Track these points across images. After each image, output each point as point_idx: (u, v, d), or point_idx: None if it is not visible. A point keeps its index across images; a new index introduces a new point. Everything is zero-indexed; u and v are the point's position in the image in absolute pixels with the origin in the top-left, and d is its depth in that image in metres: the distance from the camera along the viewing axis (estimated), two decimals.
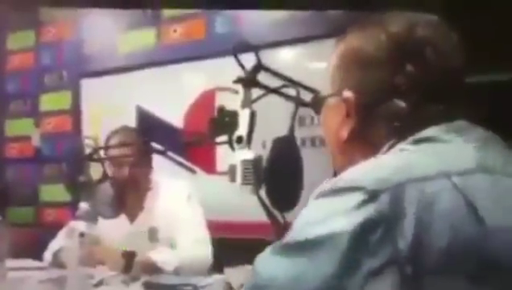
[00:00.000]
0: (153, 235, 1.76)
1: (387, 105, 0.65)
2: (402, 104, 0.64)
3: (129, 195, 1.76)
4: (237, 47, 1.03)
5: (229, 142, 1.03)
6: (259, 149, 1.00)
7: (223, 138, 1.05)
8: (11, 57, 3.24)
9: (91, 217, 1.41)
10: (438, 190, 0.53)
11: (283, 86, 1.05)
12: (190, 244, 1.73)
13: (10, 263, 1.44)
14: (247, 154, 0.98)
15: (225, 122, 1.05)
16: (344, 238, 0.52)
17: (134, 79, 2.74)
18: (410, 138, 0.62)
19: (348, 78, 0.70)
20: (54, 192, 3.01)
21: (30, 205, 3.12)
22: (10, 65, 3.24)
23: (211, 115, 1.11)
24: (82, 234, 1.33)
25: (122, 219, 1.78)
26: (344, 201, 0.54)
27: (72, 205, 1.70)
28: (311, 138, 2.23)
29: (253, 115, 1.01)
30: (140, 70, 2.73)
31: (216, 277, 1.48)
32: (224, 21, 2.55)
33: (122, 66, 2.79)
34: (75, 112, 3.01)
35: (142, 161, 1.82)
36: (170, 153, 1.63)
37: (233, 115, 1.03)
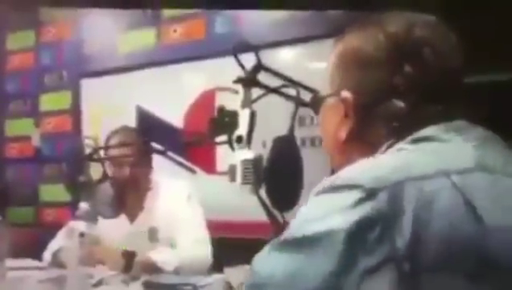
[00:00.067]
0: (153, 235, 1.76)
1: (386, 106, 0.65)
2: (400, 104, 0.64)
3: (129, 195, 1.76)
4: (237, 47, 1.03)
5: (229, 142, 1.03)
6: (259, 149, 1.00)
7: (223, 138, 1.06)
8: (11, 57, 3.24)
9: (91, 217, 1.41)
10: (437, 189, 0.53)
11: (283, 86, 1.06)
12: (190, 244, 1.73)
13: (10, 262, 1.44)
14: (247, 154, 0.98)
15: (224, 121, 1.05)
16: (341, 236, 0.52)
17: (134, 79, 2.74)
18: (409, 138, 0.62)
19: (346, 78, 0.70)
20: (54, 192, 3.01)
21: (30, 205, 3.12)
22: (10, 65, 3.24)
23: (211, 115, 1.11)
24: (82, 234, 1.33)
25: (122, 219, 1.78)
26: (343, 199, 0.54)
27: (72, 205, 1.70)
28: (311, 138, 2.24)
29: (253, 115, 1.01)
30: (140, 70, 2.73)
31: (216, 277, 1.48)
32: (224, 21, 2.55)
33: (122, 66, 2.79)
34: (75, 112, 3.01)
35: (142, 161, 1.82)
36: (170, 153, 1.63)
37: (233, 115, 1.03)
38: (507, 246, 0.52)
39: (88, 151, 1.51)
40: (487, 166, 0.57)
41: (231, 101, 1.07)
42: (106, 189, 1.55)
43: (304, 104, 0.96)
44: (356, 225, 0.52)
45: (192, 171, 2.56)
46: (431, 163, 0.56)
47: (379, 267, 0.50)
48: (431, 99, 0.64)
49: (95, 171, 1.53)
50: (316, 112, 0.78)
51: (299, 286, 0.54)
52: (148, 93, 2.69)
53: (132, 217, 1.84)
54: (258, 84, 1.03)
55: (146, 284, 1.44)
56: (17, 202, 3.11)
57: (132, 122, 2.67)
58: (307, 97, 0.91)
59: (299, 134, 2.11)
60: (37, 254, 1.81)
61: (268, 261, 0.58)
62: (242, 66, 1.02)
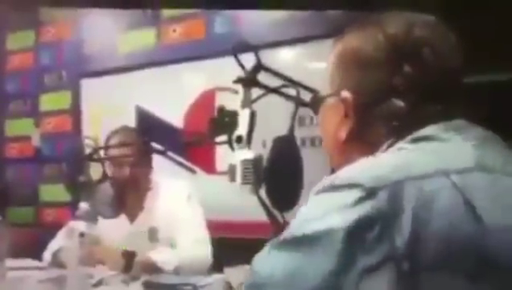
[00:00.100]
0: (153, 235, 1.76)
1: (385, 105, 0.65)
2: (400, 103, 0.64)
3: (129, 195, 1.76)
4: (237, 47, 1.03)
5: (229, 142, 1.03)
6: (259, 149, 1.00)
7: (223, 138, 1.06)
8: (11, 57, 3.24)
9: (91, 217, 1.41)
10: (436, 188, 0.53)
11: (283, 86, 1.06)
12: (190, 244, 1.73)
13: (10, 262, 1.44)
14: (247, 154, 0.98)
15: (224, 121, 1.05)
16: (341, 235, 0.52)
17: (133, 79, 2.74)
18: (409, 137, 0.62)
19: (346, 78, 0.70)
20: (54, 192, 3.01)
21: (30, 205, 3.12)
22: (10, 65, 3.24)
23: (211, 115, 1.11)
24: (82, 234, 1.33)
25: (122, 219, 1.78)
26: (342, 198, 0.54)
27: (72, 205, 1.70)
28: (310, 138, 2.24)
29: (253, 115, 1.01)
30: (140, 70, 2.73)
31: (216, 277, 1.48)
32: (223, 21, 2.55)
33: (122, 66, 2.79)
34: (75, 112, 3.01)
35: (142, 161, 1.82)
36: (170, 153, 1.63)
37: (233, 115, 1.03)
38: (507, 246, 0.52)
39: (88, 151, 1.51)
40: (487, 165, 0.57)
41: (231, 101, 1.07)
42: (106, 189, 1.55)
43: (304, 104, 0.96)
44: (355, 224, 0.52)
45: (192, 171, 2.56)
46: (431, 163, 0.56)
47: (378, 266, 0.50)
48: (430, 99, 0.64)
49: (95, 171, 1.54)
50: (316, 112, 0.78)
51: (298, 285, 0.54)
52: (148, 93, 2.69)
53: (132, 217, 1.84)
54: (257, 84, 1.03)
55: (146, 284, 1.44)
56: (17, 202, 3.11)
57: (132, 122, 2.67)
58: (307, 97, 0.91)
59: (299, 134, 2.11)
60: (37, 254, 1.81)
61: (268, 260, 0.58)
62: (242, 66, 1.02)
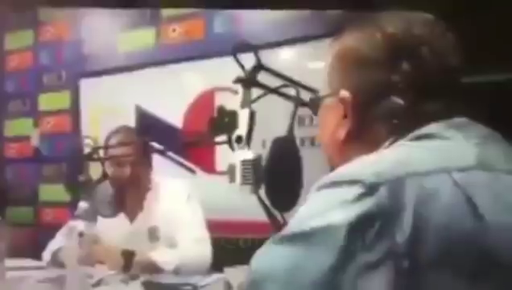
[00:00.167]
0: (153, 235, 1.76)
1: (385, 103, 0.65)
2: (399, 101, 0.64)
3: (128, 194, 1.76)
4: (237, 47, 1.03)
5: (229, 142, 1.03)
6: (259, 149, 1.00)
7: (222, 138, 1.06)
8: (10, 57, 3.24)
9: (90, 217, 1.41)
10: (438, 185, 0.53)
11: (283, 86, 1.06)
12: (190, 244, 1.73)
13: (9, 262, 1.43)
14: (247, 154, 0.98)
15: (224, 121, 1.05)
16: (341, 231, 0.52)
17: (133, 79, 2.74)
18: (411, 135, 0.62)
19: (344, 78, 0.70)
20: (53, 191, 3.01)
21: (30, 205, 3.12)
22: (9, 65, 3.24)
23: (210, 115, 1.11)
24: (81, 234, 1.33)
25: (122, 219, 1.78)
26: (343, 194, 0.54)
27: (72, 205, 1.70)
28: (310, 138, 2.23)
29: (252, 115, 1.02)
30: (139, 70, 2.73)
31: (216, 276, 1.48)
32: (223, 21, 2.55)
33: (122, 66, 2.79)
34: (74, 112, 3.00)
35: (142, 161, 1.82)
36: (169, 153, 1.63)
37: (233, 115, 1.03)
38: (508, 244, 0.52)
39: (87, 150, 1.51)
40: (488, 164, 0.57)
41: (231, 101, 1.07)
42: (106, 189, 1.55)
43: (304, 104, 0.96)
44: (356, 220, 0.52)
45: (192, 171, 2.56)
46: (433, 160, 0.56)
47: (378, 263, 0.50)
48: (429, 96, 0.64)
49: (94, 170, 1.53)
50: (315, 113, 0.78)
51: (298, 280, 0.53)
52: (147, 92, 2.69)
53: (132, 217, 1.84)
54: (257, 84, 1.03)
55: (146, 284, 1.44)
56: (16, 202, 3.11)
57: (131, 121, 2.67)
58: (306, 97, 0.91)
59: (298, 134, 2.11)
60: (36, 254, 1.81)
61: (268, 256, 0.58)
62: (242, 66, 1.02)
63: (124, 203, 1.68)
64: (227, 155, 1.02)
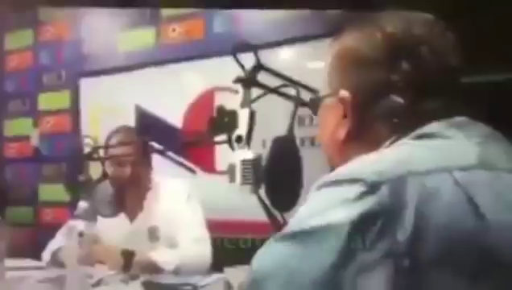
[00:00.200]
0: (153, 235, 1.76)
1: (385, 102, 0.65)
2: (399, 100, 0.64)
3: (129, 194, 1.77)
4: (237, 47, 1.03)
5: (229, 142, 1.03)
6: (259, 149, 1.00)
7: (222, 137, 1.06)
8: (10, 56, 3.23)
9: (90, 217, 1.41)
10: (439, 185, 0.53)
11: (283, 86, 1.06)
12: (190, 243, 1.73)
13: (9, 262, 1.43)
14: (247, 153, 0.98)
15: (224, 121, 1.05)
16: (342, 229, 0.52)
17: (133, 78, 2.74)
18: (412, 134, 0.62)
19: (344, 78, 0.70)
20: (53, 191, 3.01)
21: (30, 205, 3.11)
22: (9, 65, 3.24)
23: (210, 115, 1.11)
24: (81, 234, 1.33)
25: (122, 218, 1.78)
26: (344, 193, 0.54)
27: (72, 205, 1.70)
28: (310, 138, 2.23)
29: (252, 115, 1.02)
30: (139, 70, 2.73)
31: (216, 276, 1.48)
32: (223, 20, 2.55)
33: (121, 65, 2.78)
34: (74, 111, 3.00)
35: (142, 161, 1.82)
36: (169, 153, 1.63)
37: (233, 115, 1.03)
38: (509, 243, 0.52)
39: (87, 150, 1.51)
40: (489, 163, 0.57)
41: (230, 100, 1.07)
42: (106, 188, 1.55)
43: (304, 104, 0.96)
44: (357, 218, 0.52)
45: (192, 171, 2.55)
46: (434, 159, 0.56)
47: (379, 261, 0.50)
48: (429, 95, 0.64)
49: (94, 170, 1.53)
50: (315, 113, 0.78)
51: (299, 279, 0.53)
52: (147, 92, 2.68)
53: (132, 217, 1.84)
54: (257, 84, 1.03)
55: (146, 284, 1.44)
56: (16, 202, 3.11)
57: (131, 121, 2.67)
58: (306, 96, 0.91)
59: (298, 133, 2.11)
60: (36, 254, 1.81)
61: (268, 255, 0.58)
62: (242, 66, 1.02)
63: (124, 203, 1.68)
64: (227, 155, 1.02)
